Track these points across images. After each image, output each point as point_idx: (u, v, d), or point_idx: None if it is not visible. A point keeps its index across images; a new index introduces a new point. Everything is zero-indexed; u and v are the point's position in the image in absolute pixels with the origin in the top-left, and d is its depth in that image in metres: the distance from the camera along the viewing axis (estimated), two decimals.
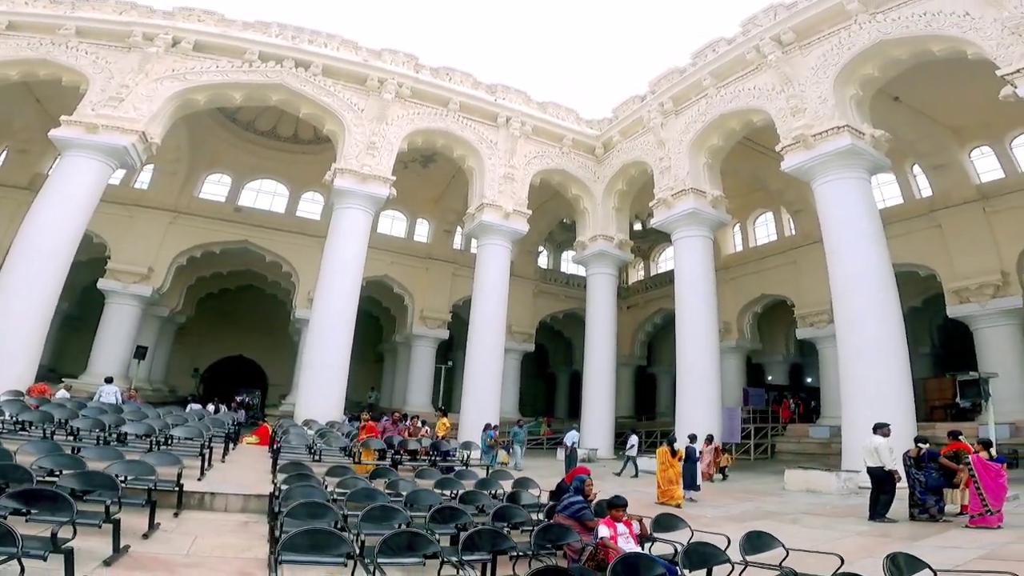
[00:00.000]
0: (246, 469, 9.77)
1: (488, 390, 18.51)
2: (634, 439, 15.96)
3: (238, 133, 24.79)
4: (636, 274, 35.11)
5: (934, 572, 3.70)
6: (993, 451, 8.17)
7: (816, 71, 14.78)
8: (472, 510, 6.36)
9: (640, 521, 5.36)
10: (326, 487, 6.82)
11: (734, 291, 25.12)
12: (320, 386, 16.30)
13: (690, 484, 11.14)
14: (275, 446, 10.53)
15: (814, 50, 15.02)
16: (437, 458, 11.18)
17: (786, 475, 12.60)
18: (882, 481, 8.59)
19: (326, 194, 22.83)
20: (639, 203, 22.59)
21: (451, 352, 28.72)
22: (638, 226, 29.32)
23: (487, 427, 15.19)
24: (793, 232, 24.35)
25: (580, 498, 5.76)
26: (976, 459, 7.88)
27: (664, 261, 33.25)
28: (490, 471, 10.27)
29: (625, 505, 5.21)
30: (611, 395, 20.83)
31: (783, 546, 4.70)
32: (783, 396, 25.06)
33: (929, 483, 8.38)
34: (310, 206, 26.87)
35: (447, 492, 7.60)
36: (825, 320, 20.17)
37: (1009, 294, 17.19)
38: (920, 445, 8.87)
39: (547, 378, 37.31)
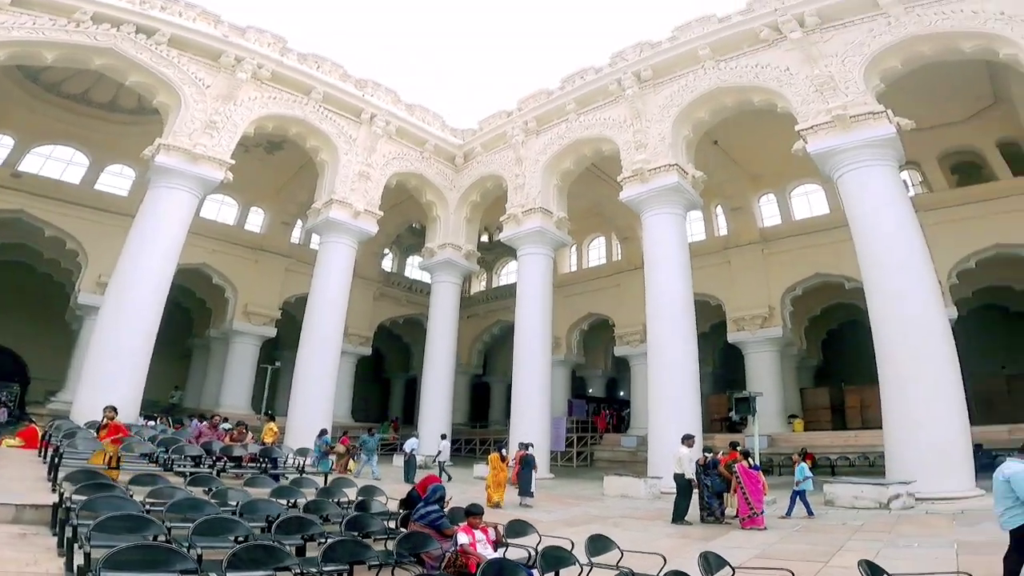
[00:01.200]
0: (11, 476, 8.18)
1: (321, 394, 17.50)
2: (444, 444, 16.59)
3: (35, 92, 20.31)
4: (479, 285, 35.98)
5: (733, 569, 4.39)
6: (752, 460, 9.69)
7: (663, 109, 16.50)
8: (318, 519, 6.04)
9: (495, 528, 5.56)
10: (132, 496, 5.92)
11: (566, 308, 27.06)
12: (112, 382, 13.66)
13: (525, 490, 11.66)
14: (47, 449, 9.04)
15: (664, 90, 16.74)
16: (268, 465, 10.27)
17: (605, 481, 13.64)
18: (683, 487, 9.85)
19: (141, 170, 19.78)
20: (489, 216, 23.30)
21: (278, 351, 26.50)
22: (485, 238, 30.22)
23: (322, 433, 14.36)
24: (620, 257, 27.13)
25: (436, 507, 5.80)
26: (740, 468, 9.27)
27: (507, 275, 34.60)
28: (328, 479, 9.75)
29: (481, 513, 5.39)
30: (449, 402, 21.08)
31: (618, 548, 5.13)
32: (601, 408, 27.58)
33: (714, 488, 9.67)
34: (116, 180, 22.89)
35: (284, 501, 7.08)
36: (638, 340, 22.47)
37: (773, 325, 20.98)
38: (706, 454, 10.20)
39: (382, 383, 36.38)
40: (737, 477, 9.29)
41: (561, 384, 26.28)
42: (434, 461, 16.04)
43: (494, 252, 33.50)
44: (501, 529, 5.68)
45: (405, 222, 28.70)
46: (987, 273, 18.47)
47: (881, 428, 11.93)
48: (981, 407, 15.74)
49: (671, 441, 11.22)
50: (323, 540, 5.34)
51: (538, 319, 18.44)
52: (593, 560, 4.87)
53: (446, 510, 6.05)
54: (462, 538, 5.08)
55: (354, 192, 19.09)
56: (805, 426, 21.11)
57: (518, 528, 6.01)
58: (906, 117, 12.60)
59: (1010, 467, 4.76)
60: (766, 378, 20.67)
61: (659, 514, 10.28)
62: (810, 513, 9.71)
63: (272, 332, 25.39)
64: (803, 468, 10.02)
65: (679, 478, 9.97)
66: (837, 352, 25.28)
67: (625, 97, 17.24)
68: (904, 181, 15.98)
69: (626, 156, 16.75)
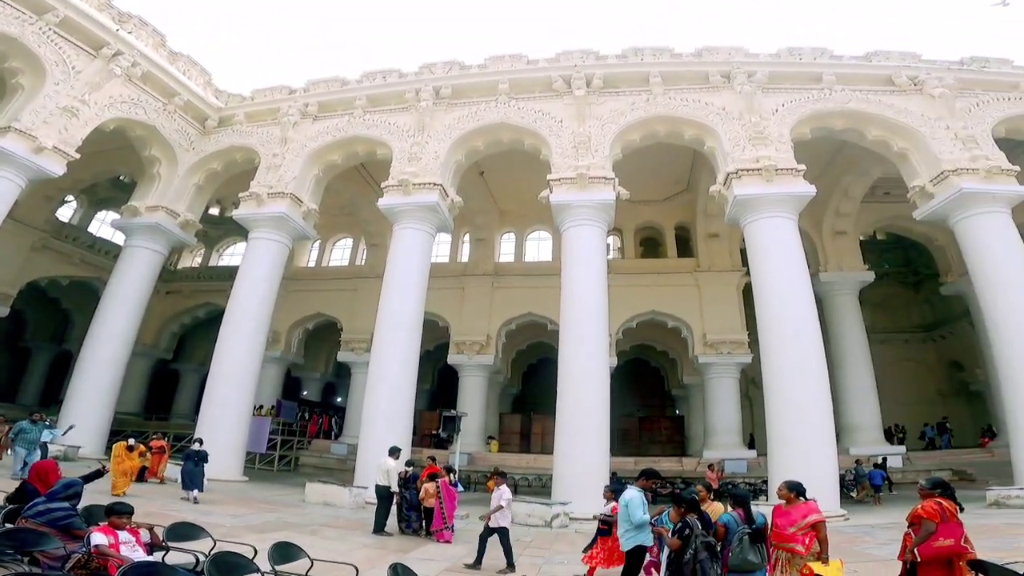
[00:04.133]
0: None
1: None
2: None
3: None
4: (191, 260, 30.98)
5: None
6: (453, 476, 10.16)
7: (447, 129, 16.74)
8: None
9: (151, 529, 4.83)
10: None
11: (294, 304, 25.21)
12: None
13: (188, 485, 11.32)
14: None
15: (456, 112, 17.05)
16: None
17: (307, 488, 13.01)
18: (385, 498, 9.89)
19: None
20: (228, 189, 20.45)
21: None
22: (216, 211, 26.44)
23: None
24: (363, 262, 26.49)
25: (66, 505, 4.73)
26: (443, 483, 9.64)
27: (232, 255, 30.60)
28: None
29: (130, 512, 4.57)
30: (115, 385, 17.20)
31: (308, 556, 4.90)
32: (314, 412, 26.12)
33: (412, 501, 9.87)
34: None
35: None
36: (364, 348, 21.95)
37: (488, 352, 22.81)
38: (407, 468, 10.36)
39: (18, 353, 27.80)
40: (438, 490, 9.59)
41: (272, 382, 24.23)
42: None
43: (222, 228, 29.47)
44: (159, 531, 4.93)
45: (110, 172, 23.10)
46: (641, 332, 23.69)
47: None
48: (619, 441, 19.83)
49: (381, 452, 11.13)
50: None
51: (257, 308, 16.54)
52: (278, 569, 4.54)
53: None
54: (98, 539, 4.19)
55: (47, 125, 14.82)
56: (500, 447, 23.46)
57: (184, 531, 5.27)
58: (624, 187, 15.07)
59: (628, 493, 5.64)
60: (474, 400, 22.34)
61: (361, 524, 10.06)
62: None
63: None
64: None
65: (382, 489, 10.00)
66: (533, 384, 29.07)
67: (418, 108, 17.21)
68: (608, 243, 19.23)
69: (397, 165, 16.56)
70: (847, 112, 15.43)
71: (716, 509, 5.91)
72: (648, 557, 5.85)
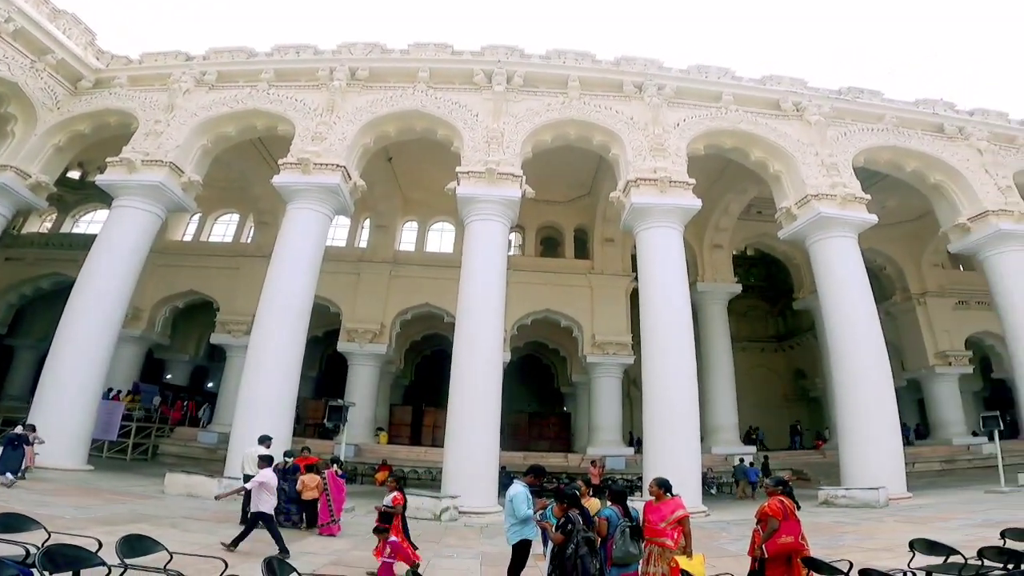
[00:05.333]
0: None
1: None
2: None
3: None
4: (40, 225, 27.09)
5: (300, 574, 4.25)
6: (339, 468, 9.77)
7: (357, 111, 16.08)
8: None
9: None
10: None
11: (163, 279, 22.76)
12: None
13: (10, 468, 10.42)
14: None
15: (371, 95, 16.45)
16: None
17: (167, 479, 12.14)
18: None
19: None
20: (95, 153, 18.31)
21: None
22: (76, 174, 23.41)
23: None
24: (249, 240, 24.64)
25: None
26: (330, 474, 9.28)
27: (91, 223, 26.90)
28: None
29: None
30: None
31: (167, 550, 4.59)
32: (179, 397, 23.84)
33: (291, 493, 9.38)
34: None
35: None
36: (244, 331, 20.37)
37: (381, 341, 22.20)
38: (286, 458, 9.88)
39: None
40: (325, 483, 9.22)
41: (129, 363, 21.86)
42: None
43: (81, 194, 25.97)
44: None
45: None
46: (535, 330, 24.33)
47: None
48: (509, 436, 20.22)
49: (256, 441, 10.43)
50: None
51: (116, 282, 14.74)
52: (129, 562, 4.13)
53: None
54: None
55: None
56: (389, 439, 22.97)
57: (10, 522, 4.68)
58: (531, 186, 15.28)
59: (514, 488, 5.69)
60: (364, 390, 21.69)
61: (231, 516, 9.33)
62: None
63: None
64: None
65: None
66: (427, 376, 28.78)
67: (330, 87, 16.46)
68: (510, 240, 19.48)
69: (299, 143, 15.63)
70: (737, 132, 16.68)
71: (594, 504, 6.20)
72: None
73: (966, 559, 4.97)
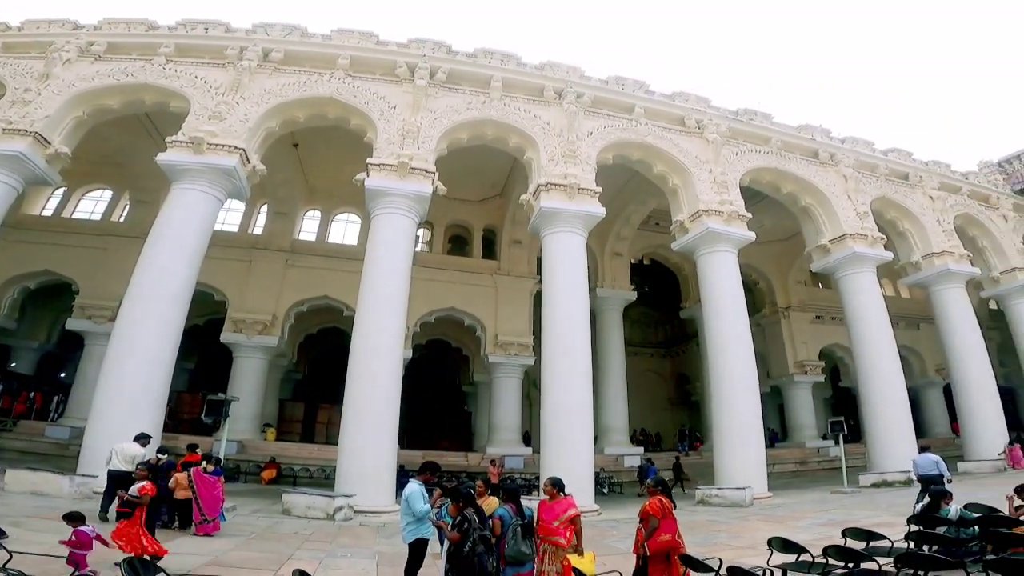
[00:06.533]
0: None
1: None
2: None
3: None
4: None
5: (168, 574, 4.03)
6: (208, 465, 9.11)
7: (266, 94, 15.24)
8: None
9: None
10: None
11: (13, 256, 19.88)
12: None
13: None
14: None
15: (283, 78, 15.70)
16: None
17: (7, 475, 10.85)
18: (124, 484, 8.30)
19: None
20: None
21: None
22: None
23: None
24: (123, 219, 22.16)
25: None
26: (196, 472, 8.69)
27: None
28: None
29: None
30: None
31: (6, 549, 4.34)
32: (25, 388, 20.88)
33: (161, 492, 8.35)
34: None
35: None
36: (107, 316, 18.50)
37: (272, 333, 20.89)
38: (160, 455, 9.16)
39: None
40: (191, 482, 8.61)
41: None
42: None
43: None
44: None
45: None
46: (438, 328, 24.14)
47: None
48: (409, 435, 19.83)
49: (122, 436, 9.56)
50: None
51: None
52: None
53: None
54: None
55: None
56: (278, 436, 21.67)
57: None
58: (443, 183, 15.00)
59: (409, 487, 5.62)
60: (250, 384, 20.41)
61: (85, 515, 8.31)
62: None
63: None
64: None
65: (117, 473, 8.75)
66: (322, 371, 27.47)
67: (238, 67, 15.43)
68: (417, 236, 19.10)
69: (193, 121, 14.45)
70: (644, 145, 17.52)
71: (491, 503, 6.23)
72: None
73: (813, 557, 5.50)
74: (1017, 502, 6.71)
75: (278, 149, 17.94)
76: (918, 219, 20.58)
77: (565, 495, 5.64)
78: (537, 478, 14.89)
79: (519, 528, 5.12)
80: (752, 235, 16.90)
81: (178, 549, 7.14)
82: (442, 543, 5.37)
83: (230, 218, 22.96)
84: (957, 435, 20.78)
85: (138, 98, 15.74)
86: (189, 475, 8.77)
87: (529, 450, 21.67)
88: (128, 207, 22.55)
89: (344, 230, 24.76)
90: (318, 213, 24.38)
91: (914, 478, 14.99)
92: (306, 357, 27.12)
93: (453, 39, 16.98)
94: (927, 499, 7.08)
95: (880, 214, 20.28)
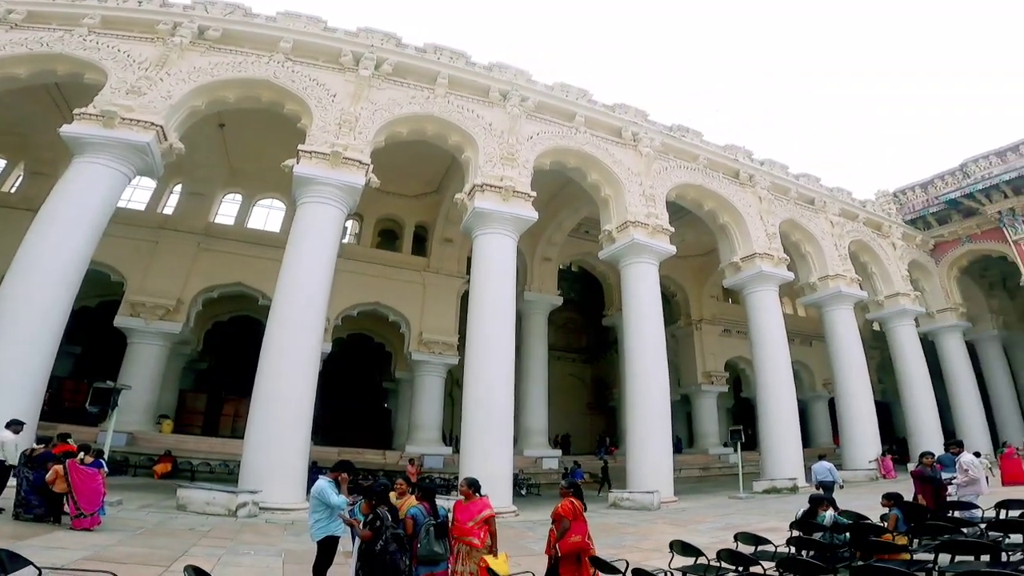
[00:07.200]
0: None
1: None
2: None
3: None
4: None
5: (39, 569, 3.72)
6: (86, 456, 8.36)
7: (195, 72, 14.44)
8: None
9: None
10: None
11: None
12: None
13: None
14: None
15: (216, 57, 14.84)
16: None
17: None
18: None
19: None
20: None
21: None
22: None
23: None
24: (15, 190, 20.12)
25: None
26: (70, 464, 8.01)
27: None
28: None
29: None
30: None
31: None
32: None
33: (35, 483, 8.01)
34: None
35: None
36: None
37: (175, 319, 19.42)
38: (37, 445, 8.66)
39: None
40: (67, 473, 7.88)
41: None
42: None
43: None
44: None
45: None
46: (361, 322, 23.47)
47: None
48: (325, 430, 19.17)
49: None
50: None
51: None
52: None
53: None
54: None
55: None
56: (177, 428, 20.18)
57: None
58: (377, 176, 14.66)
59: (318, 484, 5.45)
60: (146, 373, 18.88)
61: None
62: None
63: None
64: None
65: None
66: (229, 361, 25.78)
67: (168, 42, 14.49)
68: (345, 227, 18.46)
69: (108, 94, 13.32)
70: (581, 153, 17.86)
71: (412, 503, 6.12)
72: None
73: (708, 560, 5.83)
74: (885, 510, 7.19)
75: (202, 128, 16.99)
76: (819, 243, 22.36)
77: (481, 495, 5.64)
78: (456, 478, 14.75)
79: (432, 528, 5.07)
80: (673, 249, 17.63)
81: (50, 543, 6.63)
82: (354, 541, 5.22)
83: (137, 195, 21.24)
84: (838, 445, 22.76)
85: (49, 68, 14.48)
86: (65, 466, 8.04)
87: (449, 450, 21.51)
88: (22, 178, 20.42)
89: (267, 216, 23.53)
90: (239, 197, 23.05)
91: (800, 486, 16.51)
92: (213, 346, 25.36)
93: (405, 33, 16.63)
94: (807, 505, 7.59)
95: (787, 236, 21.88)
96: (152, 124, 13.20)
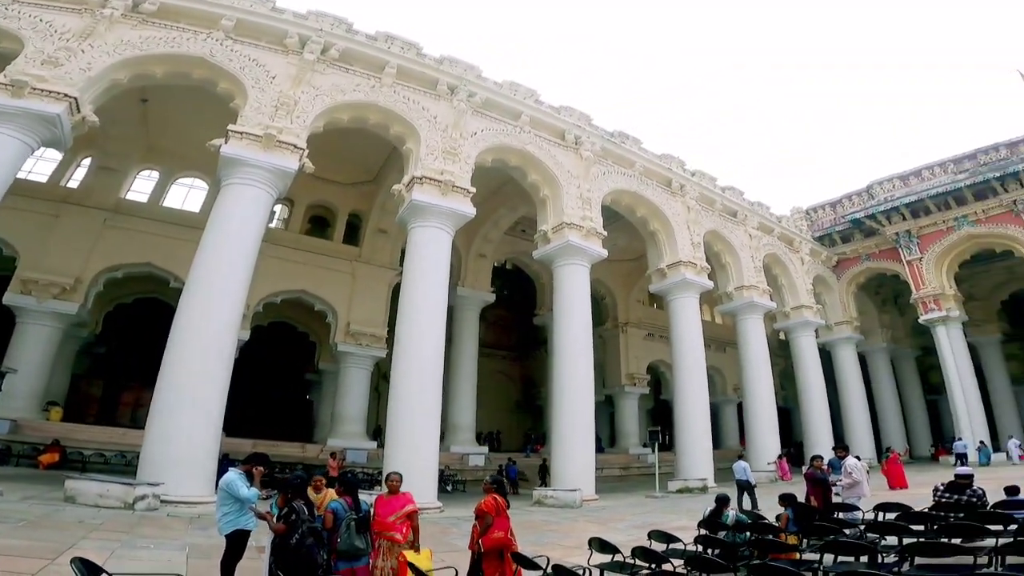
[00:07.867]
0: None
1: None
2: None
3: None
4: None
5: None
6: None
7: (122, 45, 13.48)
8: None
9: None
10: None
11: None
12: None
13: None
14: None
15: (148, 31, 13.80)
16: None
17: None
18: None
19: None
20: None
21: None
22: None
23: None
24: None
25: None
26: None
27: None
28: None
29: None
30: None
31: None
32: None
33: None
34: None
35: None
36: None
37: (72, 299, 17.77)
38: None
39: None
40: None
41: None
42: None
43: None
44: None
45: None
46: (284, 310, 22.56)
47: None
48: (239, 421, 18.09)
49: None
50: None
51: None
52: None
53: None
54: None
55: None
56: (69, 416, 18.48)
57: None
58: (313, 161, 14.11)
59: (227, 476, 5.19)
60: (34, 355, 17.19)
61: None
62: None
63: None
64: None
65: None
66: (133, 346, 23.91)
67: (96, 15, 13.35)
68: (273, 211, 17.56)
69: (22, 63, 12.27)
70: (524, 153, 17.94)
71: (332, 497, 5.95)
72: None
73: (624, 557, 6.06)
74: (779, 511, 7.56)
75: (122, 101, 15.68)
76: (738, 254, 23.75)
77: (403, 491, 5.58)
78: (380, 473, 14.53)
79: (353, 522, 4.97)
80: (605, 252, 18.15)
81: None
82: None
83: (39, 167, 19.34)
84: (744, 447, 24.33)
85: None
86: None
87: (374, 444, 21.07)
88: None
89: (186, 195, 22.00)
90: (156, 174, 21.44)
91: (709, 486, 17.50)
92: (115, 330, 23.38)
93: (362, 21, 16.18)
94: (714, 504, 7.96)
95: (710, 246, 23.08)
96: (65, 96, 12.21)
